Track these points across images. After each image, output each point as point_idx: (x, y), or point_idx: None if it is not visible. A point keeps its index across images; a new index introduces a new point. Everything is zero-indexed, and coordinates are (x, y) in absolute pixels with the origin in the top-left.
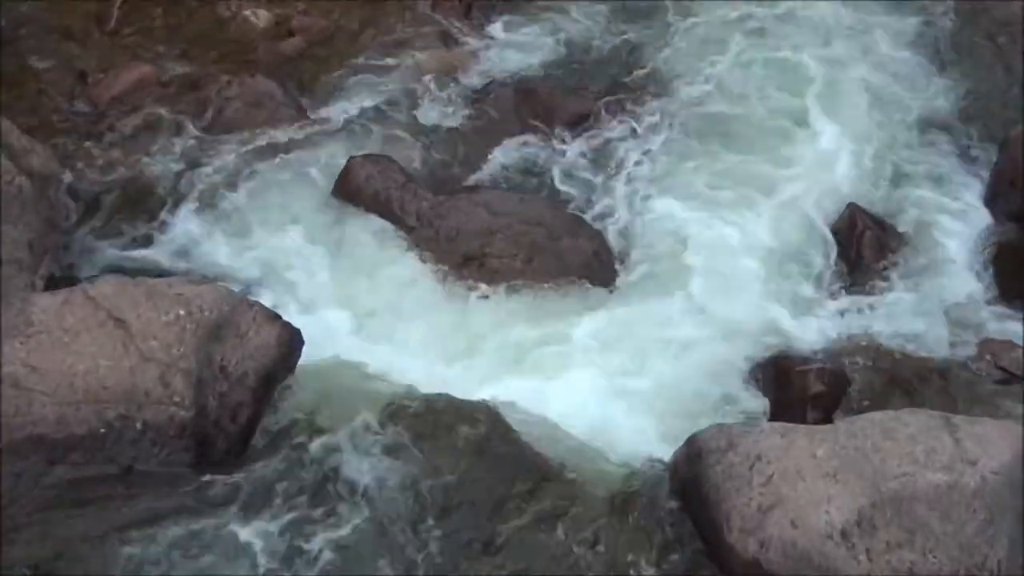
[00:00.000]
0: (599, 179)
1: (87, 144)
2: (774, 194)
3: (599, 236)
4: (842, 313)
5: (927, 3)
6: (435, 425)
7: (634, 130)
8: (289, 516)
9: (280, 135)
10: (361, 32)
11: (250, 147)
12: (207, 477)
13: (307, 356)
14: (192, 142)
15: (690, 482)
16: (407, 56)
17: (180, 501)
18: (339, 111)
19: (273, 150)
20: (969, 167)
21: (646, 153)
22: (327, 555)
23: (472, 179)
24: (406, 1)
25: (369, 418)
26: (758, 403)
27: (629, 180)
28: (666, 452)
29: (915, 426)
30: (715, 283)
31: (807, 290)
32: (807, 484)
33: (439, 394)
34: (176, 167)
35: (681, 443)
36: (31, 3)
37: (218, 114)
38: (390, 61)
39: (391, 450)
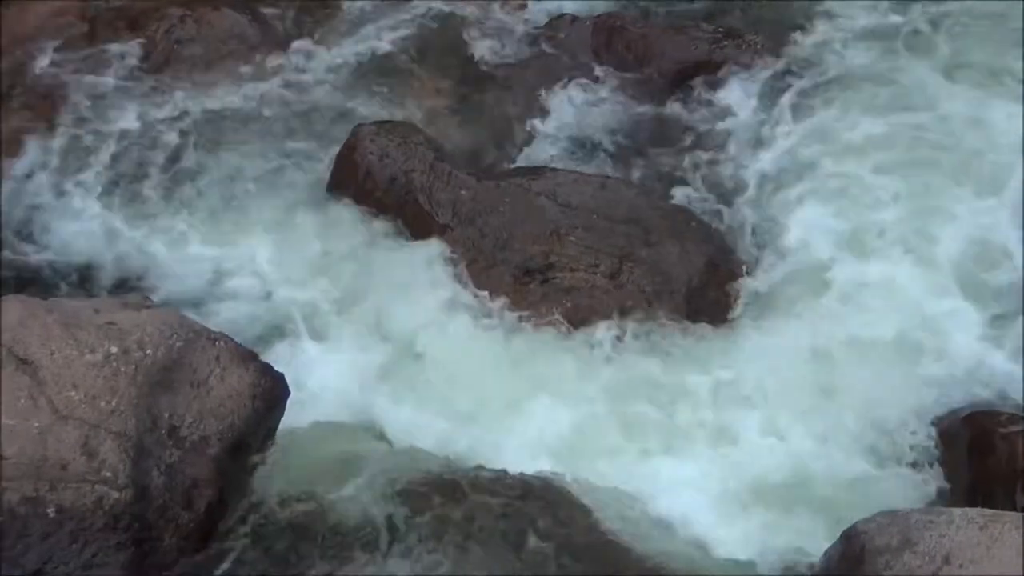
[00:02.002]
0: (714, 156)
1: None
2: (958, 180)
3: (715, 238)
4: None
5: None
6: (477, 512)
7: (765, 88)
8: None
9: (254, 91)
10: None
11: (211, 109)
12: None
13: (295, 414)
14: (127, 102)
15: None
16: None
17: None
18: (342, 58)
19: (244, 113)
20: None
21: (781, 120)
22: None
23: (532, 155)
24: None
25: (383, 502)
26: (943, 479)
27: (757, 158)
28: (811, 549)
29: None
30: (877, 304)
31: (1014, 316)
32: None
33: (485, 469)
34: (104, 137)
35: (834, 537)
36: None
37: (165, 62)
38: None
39: (415, 550)
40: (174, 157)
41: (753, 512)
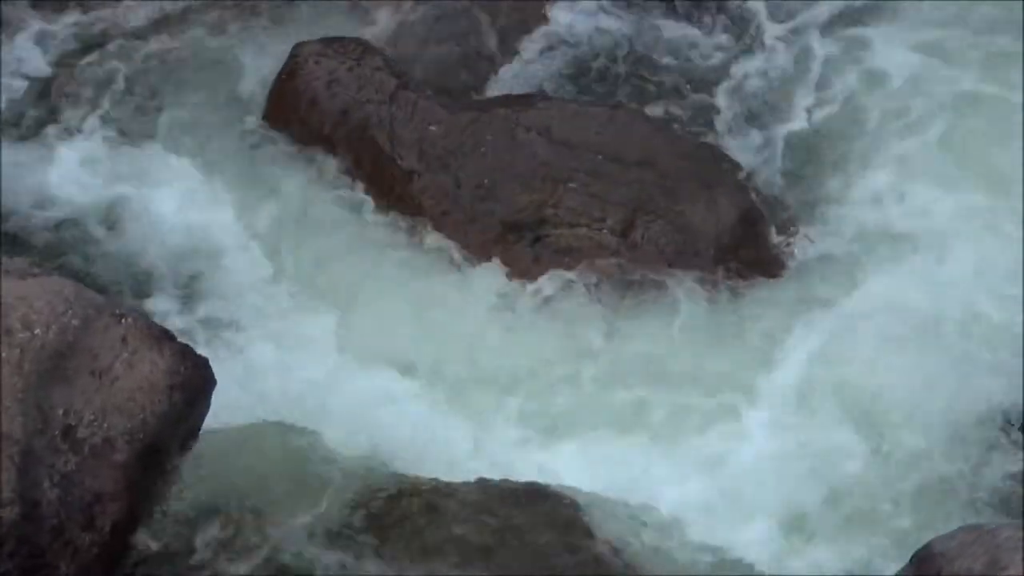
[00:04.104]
0: (750, 81)
1: None
2: None
3: (753, 185)
4: None
5: None
6: (453, 528)
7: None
8: None
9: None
10: None
11: (96, 27)
12: None
13: (225, 411)
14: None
15: None
16: None
17: None
18: None
19: (147, 30)
20: None
21: (849, 40)
22: None
23: (520, 81)
24: None
25: (332, 518)
26: None
27: (807, 84)
28: (877, 570)
29: None
30: (955, 273)
31: None
32: None
33: (455, 476)
34: None
35: (903, 557)
36: None
37: None
38: None
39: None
40: (42, 85)
41: (804, 526)
